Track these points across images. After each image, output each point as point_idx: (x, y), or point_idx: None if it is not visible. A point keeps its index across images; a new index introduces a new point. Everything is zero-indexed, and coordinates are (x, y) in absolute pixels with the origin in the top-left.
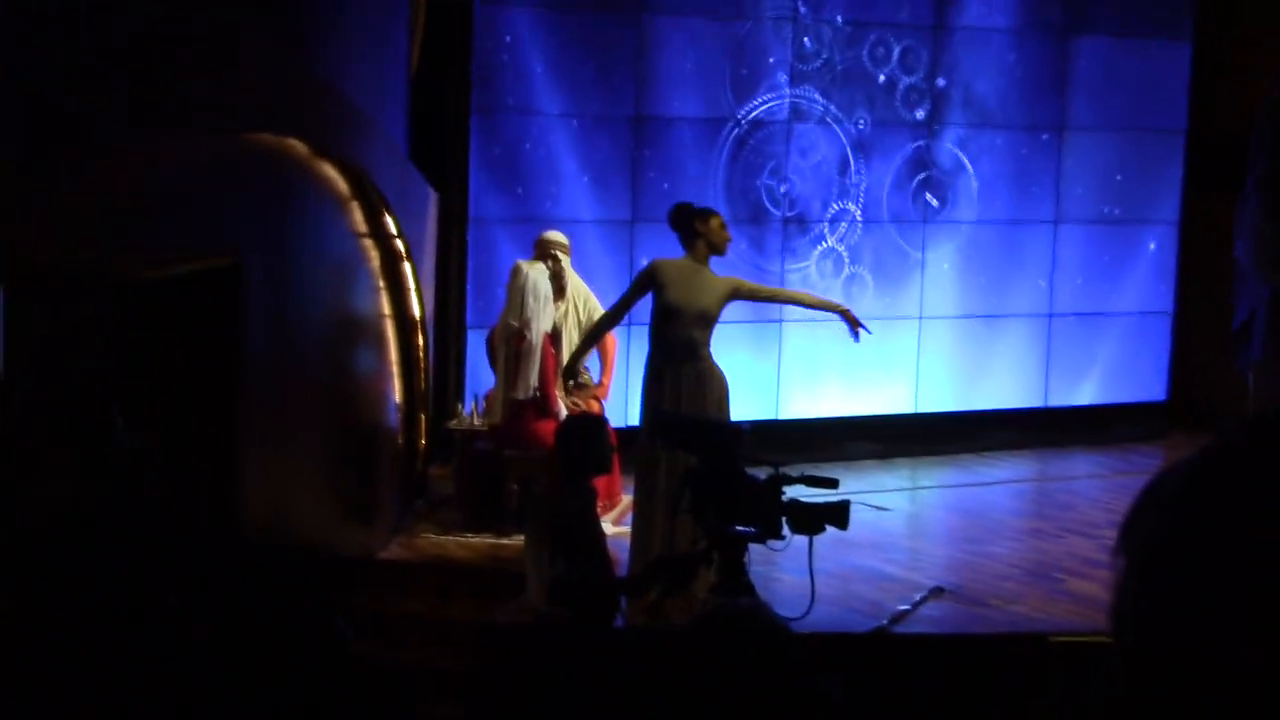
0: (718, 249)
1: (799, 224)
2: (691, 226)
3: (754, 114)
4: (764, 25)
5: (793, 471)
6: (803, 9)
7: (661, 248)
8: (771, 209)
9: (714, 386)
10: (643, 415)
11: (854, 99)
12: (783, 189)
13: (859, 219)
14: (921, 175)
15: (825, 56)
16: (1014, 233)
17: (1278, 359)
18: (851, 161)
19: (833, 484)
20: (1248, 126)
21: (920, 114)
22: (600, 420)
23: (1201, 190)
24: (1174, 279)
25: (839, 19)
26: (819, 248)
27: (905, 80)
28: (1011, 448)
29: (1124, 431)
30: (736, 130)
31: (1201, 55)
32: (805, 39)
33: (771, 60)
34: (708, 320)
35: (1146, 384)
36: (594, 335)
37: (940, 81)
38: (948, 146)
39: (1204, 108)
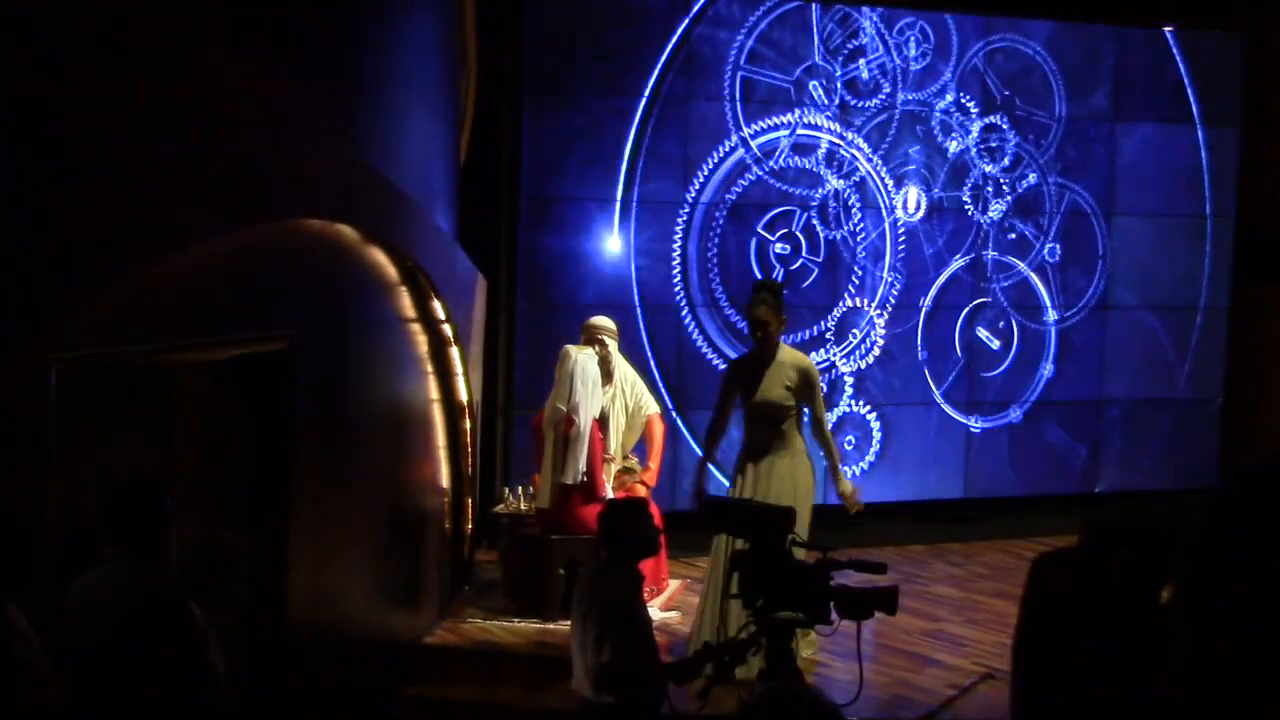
0: (770, 338)
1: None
2: (779, 308)
3: (764, 140)
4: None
5: (840, 556)
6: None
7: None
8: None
9: (785, 488)
10: None
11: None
12: (778, 249)
13: (878, 336)
14: (976, 300)
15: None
16: (1063, 318)
17: None
18: (888, 250)
19: (881, 569)
20: None
21: (988, 208)
22: (644, 503)
23: (1251, 277)
24: (1224, 365)
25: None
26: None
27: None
28: (1062, 533)
29: None
30: (742, 153)
31: (1250, 141)
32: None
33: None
34: (780, 412)
35: (1198, 470)
36: (707, 449)
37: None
38: (1016, 264)
39: (1254, 194)
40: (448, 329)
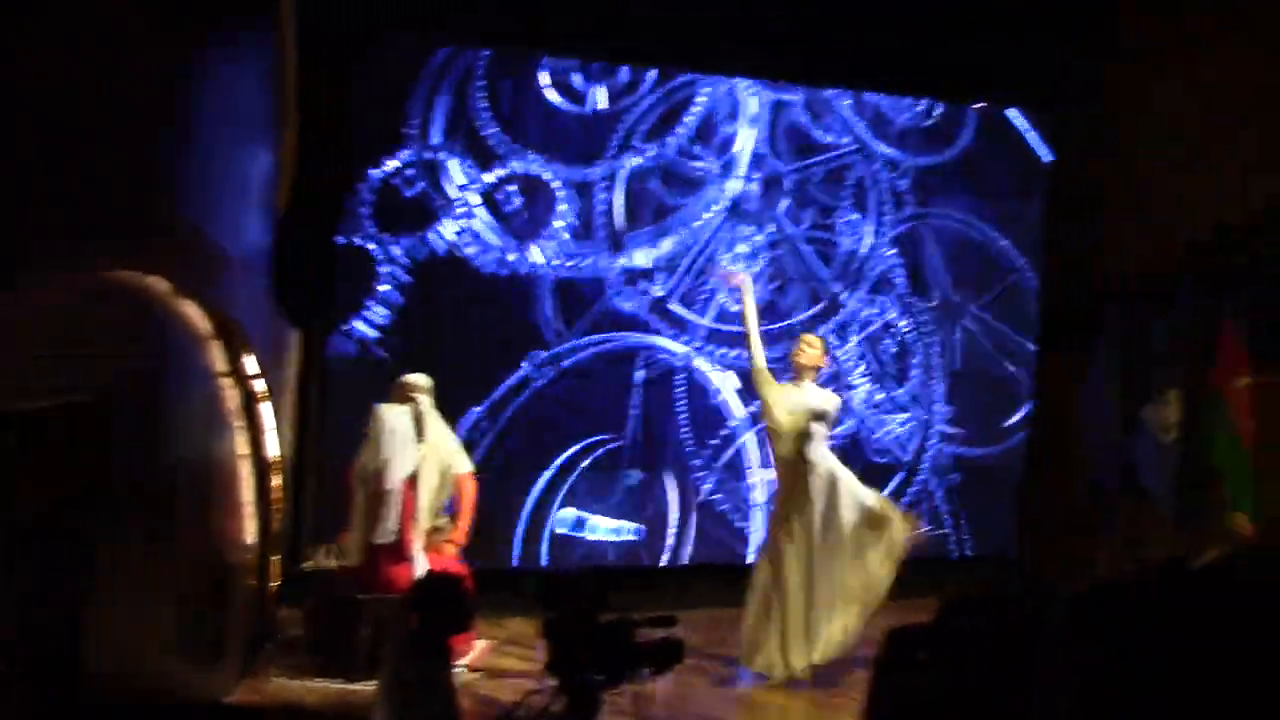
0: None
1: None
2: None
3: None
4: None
5: (635, 615)
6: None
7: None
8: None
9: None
10: None
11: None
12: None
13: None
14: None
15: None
16: (871, 385)
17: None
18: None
19: (672, 621)
20: (1099, 290)
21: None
22: (461, 580)
23: (1052, 349)
24: (1022, 435)
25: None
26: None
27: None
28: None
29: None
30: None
31: (1053, 217)
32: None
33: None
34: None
35: (994, 539)
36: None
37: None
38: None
39: (1056, 272)
40: (259, 384)
